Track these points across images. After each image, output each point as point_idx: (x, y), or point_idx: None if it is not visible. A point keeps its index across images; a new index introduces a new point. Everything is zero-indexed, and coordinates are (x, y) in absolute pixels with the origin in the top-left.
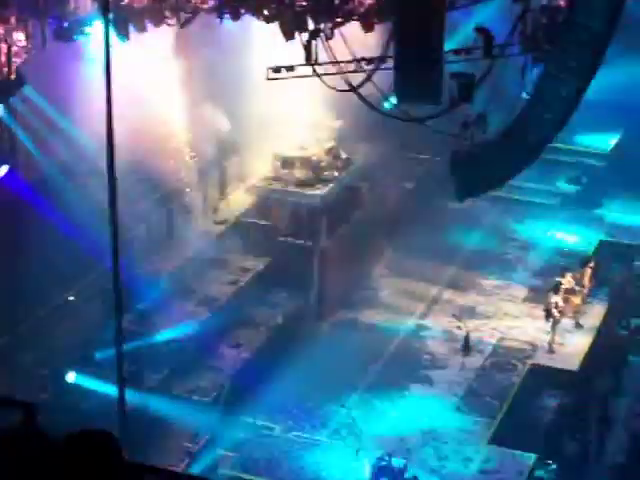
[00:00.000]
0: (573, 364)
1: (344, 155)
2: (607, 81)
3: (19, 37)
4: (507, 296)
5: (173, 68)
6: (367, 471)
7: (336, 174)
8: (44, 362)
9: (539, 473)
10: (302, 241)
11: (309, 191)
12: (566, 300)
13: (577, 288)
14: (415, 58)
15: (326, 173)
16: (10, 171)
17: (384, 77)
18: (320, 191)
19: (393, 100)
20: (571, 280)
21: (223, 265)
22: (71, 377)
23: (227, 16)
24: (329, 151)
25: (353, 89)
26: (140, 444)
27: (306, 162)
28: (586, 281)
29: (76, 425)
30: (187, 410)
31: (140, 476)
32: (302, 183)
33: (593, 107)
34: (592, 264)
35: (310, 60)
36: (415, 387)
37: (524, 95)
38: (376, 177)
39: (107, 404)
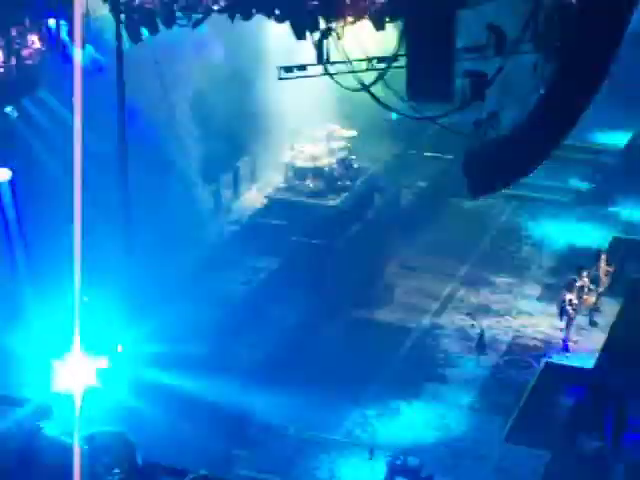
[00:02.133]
0: (588, 362)
1: (356, 165)
2: (621, 78)
3: (32, 39)
4: (521, 294)
5: None
6: (382, 470)
7: (349, 184)
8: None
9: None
10: (316, 240)
11: (322, 202)
12: (580, 297)
13: (591, 286)
14: (427, 56)
15: (339, 183)
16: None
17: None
18: (333, 202)
19: (405, 99)
20: (585, 278)
21: (236, 265)
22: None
23: (238, 16)
24: (342, 161)
25: (365, 88)
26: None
27: (319, 173)
28: (602, 278)
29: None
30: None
31: (154, 475)
32: (315, 194)
33: (606, 104)
34: (604, 259)
35: (321, 60)
36: (429, 385)
37: (537, 93)
38: (388, 182)
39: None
